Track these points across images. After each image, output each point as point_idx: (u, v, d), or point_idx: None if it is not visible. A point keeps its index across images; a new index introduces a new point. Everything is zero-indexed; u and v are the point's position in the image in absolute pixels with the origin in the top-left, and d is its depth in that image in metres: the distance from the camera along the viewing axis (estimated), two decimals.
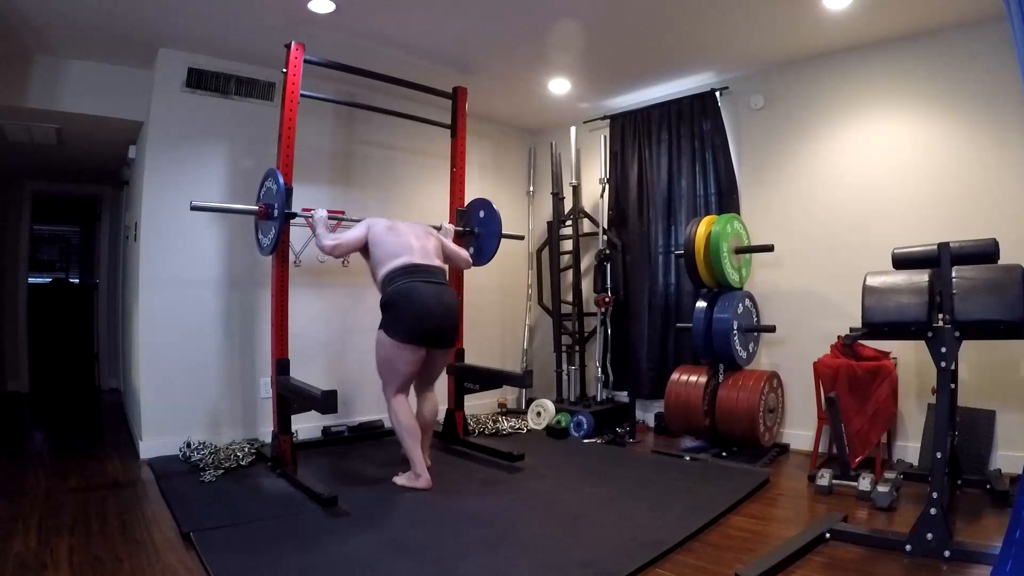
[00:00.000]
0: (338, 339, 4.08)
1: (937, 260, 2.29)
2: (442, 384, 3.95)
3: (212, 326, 3.66)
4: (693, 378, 3.72)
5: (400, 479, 2.94)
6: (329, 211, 3.70)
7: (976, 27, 3.19)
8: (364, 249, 3.08)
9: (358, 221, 3.04)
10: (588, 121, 4.91)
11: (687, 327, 3.81)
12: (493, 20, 3.29)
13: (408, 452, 2.92)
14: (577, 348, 4.74)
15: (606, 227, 4.65)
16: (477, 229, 3.84)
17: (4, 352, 5.57)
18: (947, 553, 2.05)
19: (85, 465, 3.28)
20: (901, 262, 2.47)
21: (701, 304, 3.71)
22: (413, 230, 3.16)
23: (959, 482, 2.80)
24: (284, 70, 3.15)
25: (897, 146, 3.50)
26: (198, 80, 3.64)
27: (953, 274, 2.19)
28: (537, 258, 5.18)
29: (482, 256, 3.82)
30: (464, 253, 3.50)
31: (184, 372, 3.54)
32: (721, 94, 4.12)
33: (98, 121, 3.83)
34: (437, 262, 3.11)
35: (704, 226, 3.67)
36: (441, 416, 4.02)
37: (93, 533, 2.32)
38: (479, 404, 4.63)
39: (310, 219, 3.15)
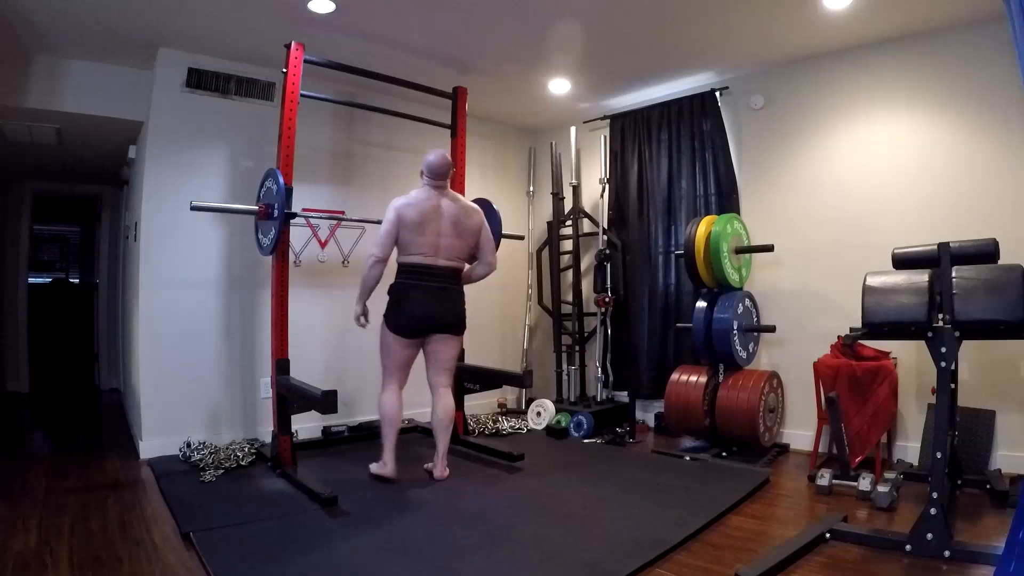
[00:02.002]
0: (338, 339, 4.08)
1: (937, 260, 2.29)
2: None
3: (212, 326, 3.66)
4: (693, 378, 3.72)
5: (373, 467, 3.03)
6: (329, 211, 3.71)
7: (976, 27, 3.19)
8: None
9: (360, 222, 3.00)
10: (588, 121, 4.91)
11: (687, 327, 3.81)
12: (493, 20, 3.29)
13: (383, 438, 3.00)
14: (577, 348, 4.73)
15: (606, 227, 4.66)
16: None
17: (4, 352, 5.57)
18: (947, 553, 2.05)
19: (85, 465, 3.28)
20: (901, 262, 2.47)
21: (701, 304, 3.71)
22: (450, 226, 2.99)
23: (959, 482, 2.80)
24: (284, 70, 3.15)
25: (897, 146, 3.50)
26: (198, 80, 3.64)
27: (953, 274, 2.19)
28: (537, 258, 5.18)
29: None
30: (491, 257, 3.18)
31: (184, 372, 3.54)
32: (721, 94, 4.12)
33: (98, 121, 3.83)
34: (455, 263, 3.05)
35: (704, 226, 3.67)
36: None
37: (93, 533, 2.32)
38: (479, 404, 4.63)
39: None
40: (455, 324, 3.06)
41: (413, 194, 3.00)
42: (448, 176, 3.07)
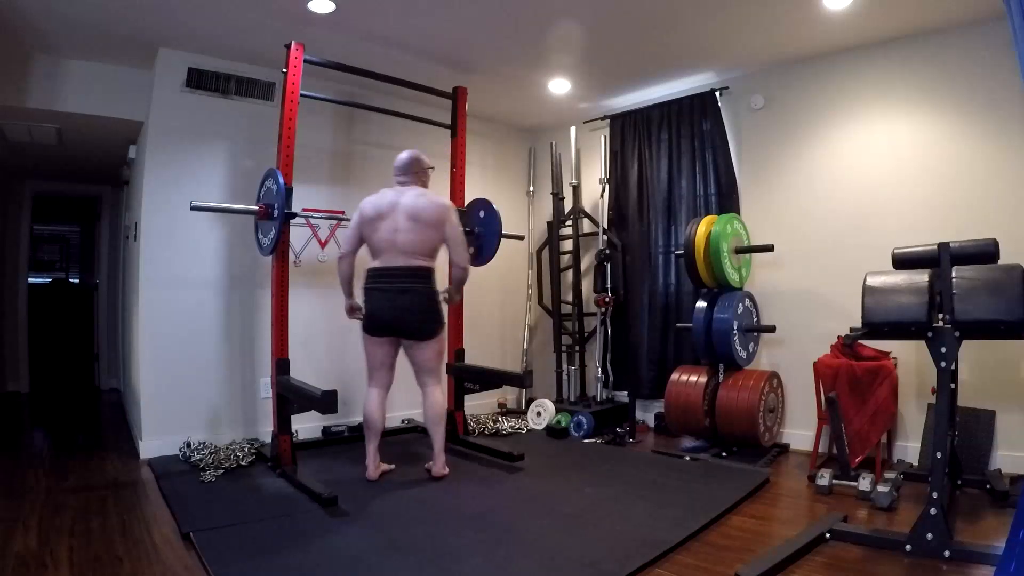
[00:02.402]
0: (338, 339, 4.08)
1: (937, 260, 2.29)
2: (442, 384, 3.95)
3: (212, 326, 3.66)
4: (693, 378, 3.72)
5: None
6: (329, 211, 3.71)
7: (976, 27, 3.19)
8: None
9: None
10: (588, 121, 4.91)
11: (687, 327, 3.81)
12: (493, 20, 3.29)
13: (365, 440, 3.06)
14: (577, 348, 4.73)
15: (606, 227, 4.66)
16: (477, 229, 3.85)
17: (4, 352, 5.57)
18: (947, 553, 2.05)
19: (85, 465, 3.28)
20: (901, 262, 2.47)
21: (701, 304, 3.71)
22: (406, 219, 2.94)
23: (959, 482, 2.80)
24: (284, 70, 3.16)
25: (897, 146, 3.50)
26: (198, 80, 3.64)
27: (953, 274, 2.19)
28: (537, 258, 5.18)
29: (482, 256, 3.83)
30: (464, 253, 3.11)
31: (184, 372, 3.54)
32: (721, 94, 4.12)
33: (98, 121, 3.83)
34: (415, 261, 2.95)
35: (704, 226, 3.67)
36: None
37: (93, 533, 2.32)
38: (479, 404, 4.63)
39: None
40: (415, 328, 2.96)
41: (380, 192, 3.07)
42: (412, 171, 3.09)
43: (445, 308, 3.16)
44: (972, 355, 3.11)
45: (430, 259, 3.03)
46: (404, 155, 3.12)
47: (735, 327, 3.59)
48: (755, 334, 3.82)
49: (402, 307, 2.92)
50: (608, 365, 4.57)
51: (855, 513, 2.61)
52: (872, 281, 2.36)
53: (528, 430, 4.28)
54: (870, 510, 2.65)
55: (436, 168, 4.30)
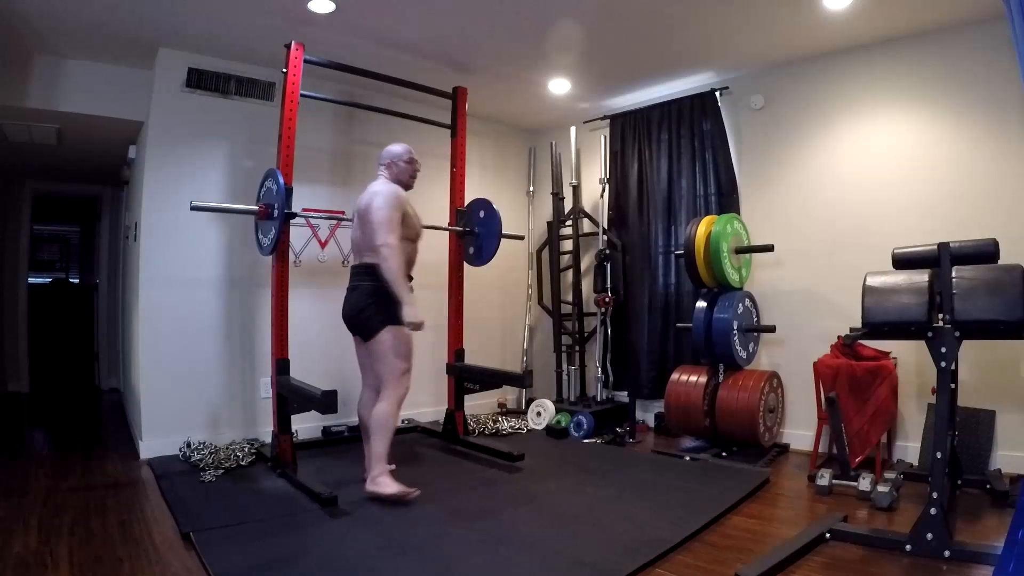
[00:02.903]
0: (338, 339, 4.06)
1: (937, 260, 2.29)
2: (442, 384, 3.97)
3: (212, 326, 3.66)
4: (693, 378, 3.72)
5: None
6: (329, 211, 3.72)
7: (976, 27, 3.19)
8: None
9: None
10: (588, 121, 4.91)
11: (687, 327, 3.81)
12: (493, 20, 3.29)
13: None
14: (577, 348, 4.73)
15: (606, 227, 4.65)
16: (477, 229, 3.84)
17: (4, 352, 5.57)
18: (947, 553, 2.05)
19: (85, 465, 3.28)
20: (901, 262, 2.47)
21: (701, 304, 3.71)
22: (357, 216, 2.94)
23: (959, 482, 2.80)
24: (284, 70, 3.15)
25: (897, 146, 3.50)
26: (198, 80, 3.64)
27: (953, 274, 2.19)
28: (537, 258, 5.18)
29: (482, 256, 3.83)
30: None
31: (184, 372, 3.54)
32: (721, 94, 4.12)
33: (98, 121, 3.83)
34: (364, 258, 2.90)
35: (704, 226, 3.67)
36: (441, 416, 4.04)
37: (93, 533, 2.32)
38: (479, 404, 4.63)
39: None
40: (356, 325, 2.91)
41: None
42: (382, 163, 2.98)
43: (407, 306, 2.75)
44: (972, 355, 3.11)
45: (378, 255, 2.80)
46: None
47: (735, 327, 3.59)
48: (755, 334, 3.82)
49: (349, 303, 2.92)
50: (608, 365, 4.57)
51: (855, 513, 2.61)
52: (872, 281, 2.36)
53: (528, 430, 4.28)
54: (870, 510, 2.65)
55: (436, 168, 4.31)
